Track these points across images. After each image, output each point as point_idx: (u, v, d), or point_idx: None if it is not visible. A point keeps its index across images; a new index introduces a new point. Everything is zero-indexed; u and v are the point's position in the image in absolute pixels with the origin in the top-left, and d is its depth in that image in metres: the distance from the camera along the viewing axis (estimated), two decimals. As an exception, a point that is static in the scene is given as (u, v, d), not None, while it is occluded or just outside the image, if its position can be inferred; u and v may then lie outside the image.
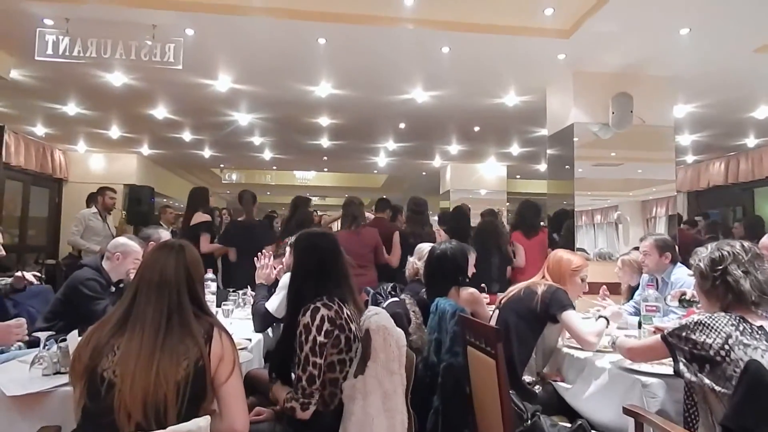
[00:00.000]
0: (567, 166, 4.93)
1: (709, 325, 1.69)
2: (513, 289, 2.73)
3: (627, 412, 1.97)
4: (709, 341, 1.66)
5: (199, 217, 4.80)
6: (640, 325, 2.74)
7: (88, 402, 1.42)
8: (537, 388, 2.54)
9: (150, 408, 1.38)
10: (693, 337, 1.71)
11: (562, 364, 2.69)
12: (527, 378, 2.56)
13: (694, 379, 1.69)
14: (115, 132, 7.57)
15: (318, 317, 1.90)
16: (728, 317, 1.70)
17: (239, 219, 5.33)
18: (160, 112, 6.40)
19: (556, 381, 2.61)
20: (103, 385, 1.40)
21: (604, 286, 3.50)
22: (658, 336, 1.87)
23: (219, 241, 4.95)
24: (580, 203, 4.86)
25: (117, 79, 5.09)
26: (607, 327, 2.58)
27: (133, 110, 6.38)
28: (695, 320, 1.73)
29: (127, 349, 1.43)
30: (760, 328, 1.67)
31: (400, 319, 2.56)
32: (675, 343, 1.77)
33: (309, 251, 2.14)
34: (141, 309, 1.50)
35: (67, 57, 3.86)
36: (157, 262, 1.57)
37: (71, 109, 6.29)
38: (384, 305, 2.79)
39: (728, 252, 1.77)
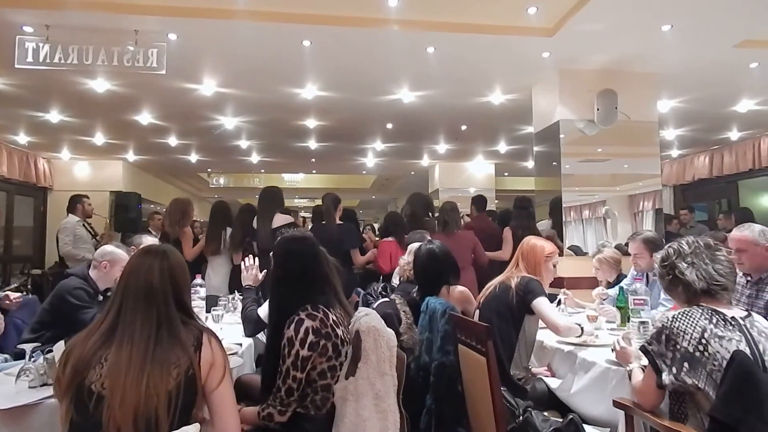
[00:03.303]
0: (554, 163, 4.97)
1: (683, 320, 1.73)
2: (489, 287, 2.76)
3: (617, 405, 1.99)
4: (687, 337, 1.70)
5: (281, 219, 4.42)
6: (627, 319, 2.78)
7: (76, 416, 1.38)
8: (527, 384, 2.55)
9: (141, 421, 1.35)
10: (672, 336, 1.73)
11: (552, 359, 2.71)
12: (516, 374, 2.58)
13: (675, 383, 1.70)
14: (99, 139, 7.50)
15: (302, 330, 1.86)
16: (701, 311, 1.74)
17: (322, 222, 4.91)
18: (145, 117, 6.35)
19: (545, 376, 2.62)
20: (92, 399, 1.37)
21: (564, 290, 3.52)
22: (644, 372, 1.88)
23: None
24: (568, 199, 4.91)
25: (100, 85, 5.04)
26: (580, 335, 2.60)
27: (117, 116, 6.32)
28: (670, 317, 1.77)
29: (116, 361, 1.40)
30: (732, 318, 1.71)
31: (391, 319, 2.56)
32: (655, 350, 1.78)
33: (288, 259, 2.08)
34: (129, 319, 1.46)
35: (48, 64, 3.82)
36: (141, 270, 1.53)
37: (54, 116, 6.22)
38: (374, 306, 2.79)
39: (674, 249, 1.90)
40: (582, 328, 2.61)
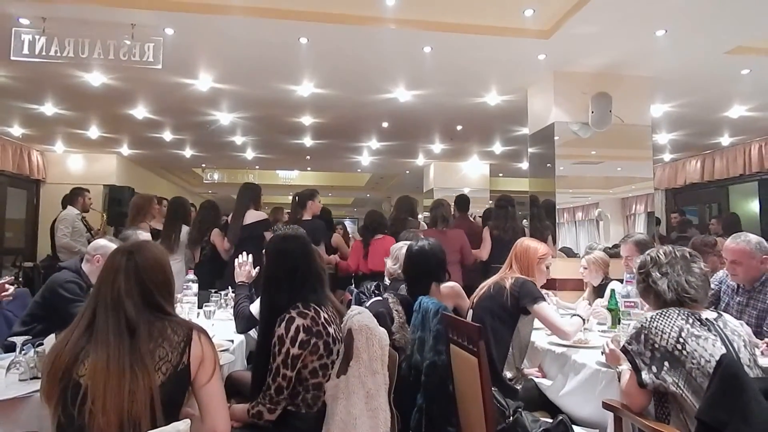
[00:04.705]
0: (548, 164, 4.99)
1: (661, 320, 1.79)
2: (483, 286, 2.76)
3: (606, 406, 2.01)
4: (665, 336, 1.75)
5: (253, 215, 4.44)
6: (617, 321, 2.80)
7: (63, 417, 1.36)
8: (518, 385, 2.56)
9: (127, 423, 1.34)
10: (651, 336, 1.78)
11: (543, 360, 2.72)
12: (507, 374, 2.58)
13: (656, 381, 1.74)
14: (94, 132, 7.45)
15: (293, 328, 1.86)
16: (678, 311, 1.81)
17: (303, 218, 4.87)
18: (140, 112, 6.31)
19: (537, 377, 2.64)
20: (79, 394, 1.36)
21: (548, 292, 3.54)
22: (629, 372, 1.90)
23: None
24: (562, 200, 4.92)
25: (95, 78, 5.00)
26: (583, 325, 2.62)
27: (112, 110, 6.28)
28: (649, 317, 1.83)
29: (94, 364, 1.38)
30: (707, 319, 1.78)
31: (383, 318, 2.57)
32: (634, 349, 1.82)
33: (280, 257, 2.08)
34: (101, 325, 1.44)
35: (44, 57, 3.78)
36: (108, 274, 1.51)
37: (49, 109, 6.17)
38: (367, 304, 2.79)
39: (650, 257, 1.97)
40: (583, 320, 2.63)
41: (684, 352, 1.71)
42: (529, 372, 2.71)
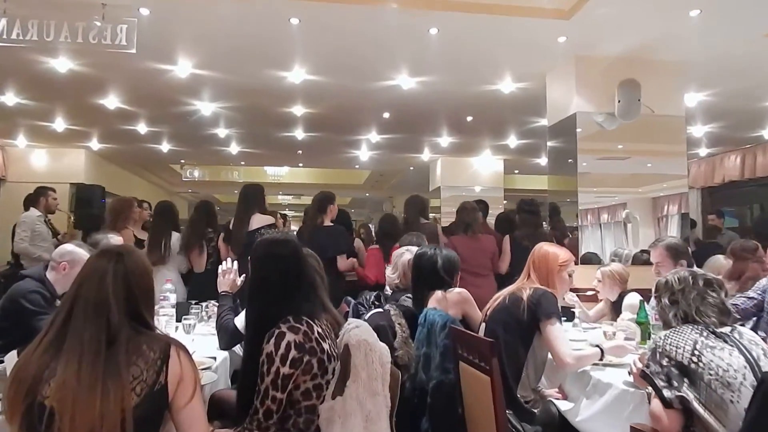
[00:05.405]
0: (569, 160, 4.99)
1: (674, 336, 1.94)
2: (498, 297, 2.75)
3: (635, 431, 2.01)
4: (680, 351, 1.89)
5: (260, 219, 4.38)
6: (647, 336, 2.80)
7: None
8: (535, 407, 2.56)
9: None
10: (666, 352, 1.91)
11: (563, 380, 2.72)
12: (522, 395, 2.58)
13: (680, 395, 1.82)
14: (60, 124, 7.46)
15: (283, 345, 1.85)
16: (692, 326, 1.96)
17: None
18: (112, 101, 6.32)
19: (556, 398, 2.64)
20: (44, 417, 1.35)
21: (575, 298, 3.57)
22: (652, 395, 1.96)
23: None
24: (585, 200, 4.92)
25: (62, 64, 5.02)
26: (600, 358, 2.59)
27: (80, 100, 6.30)
28: (662, 336, 1.98)
29: (64, 379, 1.38)
30: (722, 332, 1.92)
31: (384, 332, 2.57)
32: (653, 370, 1.93)
33: (269, 263, 2.06)
34: (76, 331, 1.44)
35: (5, 40, 3.79)
36: (93, 276, 1.51)
37: (9, 98, 6.18)
38: (366, 317, 2.79)
39: (665, 281, 2.13)
40: (602, 350, 2.56)
41: (701, 364, 1.82)
42: (548, 393, 2.71)
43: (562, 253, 2.76)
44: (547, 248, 2.80)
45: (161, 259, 4.31)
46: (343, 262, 4.61)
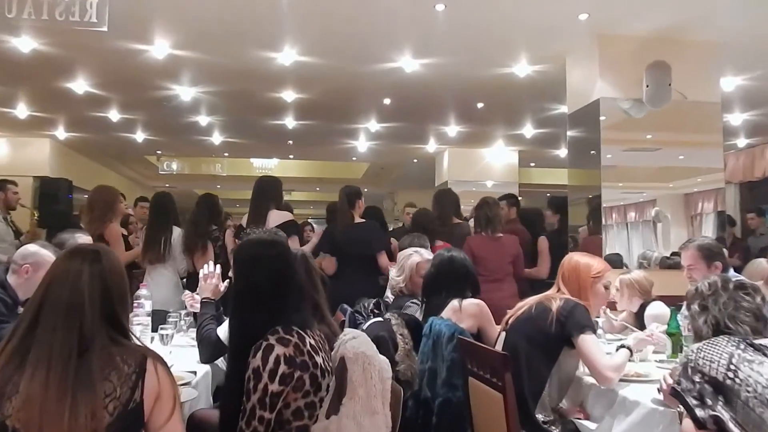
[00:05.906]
0: (592, 152, 4.99)
1: (708, 349, 1.92)
2: (523, 305, 2.74)
3: (664, 455, 2.01)
4: (714, 365, 1.86)
5: (277, 216, 4.35)
6: (679, 348, 2.80)
7: None
8: (554, 428, 2.57)
9: None
10: (698, 367, 1.89)
11: (585, 398, 2.72)
12: (540, 416, 2.58)
13: (713, 414, 1.80)
14: (22, 111, 7.47)
15: (272, 359, 1.84)
16: (727, 338, 1.94)
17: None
18: (80, 85, 6.32)
19: (578, 419, 2.64)
20: None
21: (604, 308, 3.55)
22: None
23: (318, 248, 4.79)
24: (609, 197, 4.92)
25: (24, 44, 5.02)
26: (630, 357, 2.60)
27: (45, 83, 6.30)
28: (695, 348, 1.96)
29: (29, 392, 1.37)
30: (761, 344, 1.88)
31: (385, 343, 2.57)
32: (684, 387, 1.91)
33: (255, 266, 2.06)
34: (44, 339, 1.43)
35: (-41, 16, 3.80)
36: (66, 277, 1.51)
37: (-35, 81, 6.20)
38: (364, 327, 2.80)
39: (696, 288, 2.17)
40: (630, 351, 2.59)
41: (737, 380, 1.80)
42: (569, 412, 2.71)
43: (595, 263, 2.75)
44: (578, 258, 2.79)
45: (160, 258, 4.33)
46: (385, 260, 4.63)
